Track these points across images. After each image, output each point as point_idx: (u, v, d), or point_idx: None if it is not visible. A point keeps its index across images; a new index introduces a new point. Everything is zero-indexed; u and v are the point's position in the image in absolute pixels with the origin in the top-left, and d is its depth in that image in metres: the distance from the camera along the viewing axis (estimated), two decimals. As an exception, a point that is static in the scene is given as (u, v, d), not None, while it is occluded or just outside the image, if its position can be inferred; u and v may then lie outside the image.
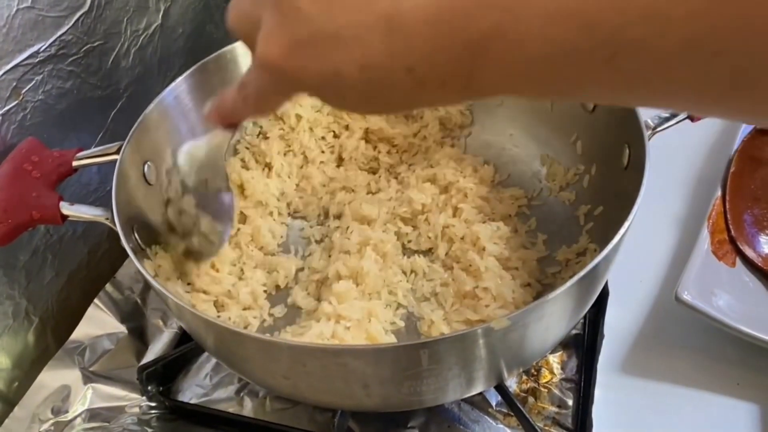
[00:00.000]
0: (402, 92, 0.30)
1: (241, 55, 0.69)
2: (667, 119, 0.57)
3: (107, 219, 0.53)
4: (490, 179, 0.70)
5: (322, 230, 0.69)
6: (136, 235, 0.56)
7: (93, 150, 0.59)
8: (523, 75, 0.27)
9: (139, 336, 0.67)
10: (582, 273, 0.44)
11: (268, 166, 0.71)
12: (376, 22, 0.28)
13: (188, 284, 0.61)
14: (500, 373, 0.51)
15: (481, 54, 0.27)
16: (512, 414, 0.57)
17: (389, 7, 0.28)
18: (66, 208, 0.54)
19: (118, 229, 0.51)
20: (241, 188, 0.69)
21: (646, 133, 0.54)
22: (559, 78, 0.27)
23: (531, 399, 0.59)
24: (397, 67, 0.29)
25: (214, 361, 0.64)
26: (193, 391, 0.63)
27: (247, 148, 0.72)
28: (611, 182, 0.60)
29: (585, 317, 0.62)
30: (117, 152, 0.57)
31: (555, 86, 0.28)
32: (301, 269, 0.66)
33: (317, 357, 0.44)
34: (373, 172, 0.73)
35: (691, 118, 0.57)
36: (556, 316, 0.47)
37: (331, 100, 0.34)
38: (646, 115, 0.56)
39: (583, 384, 0.59)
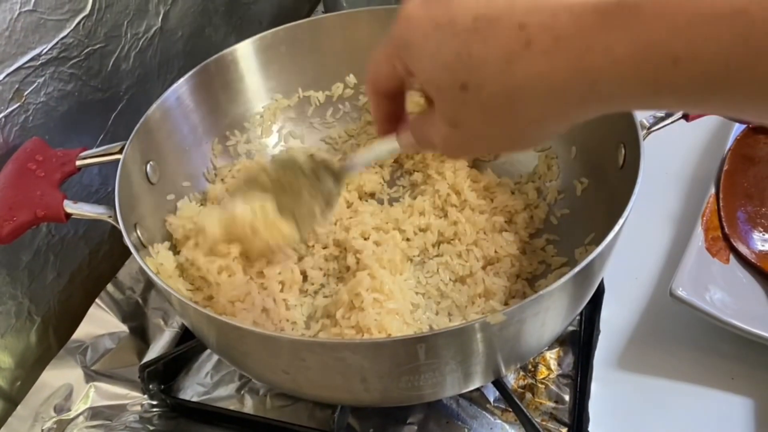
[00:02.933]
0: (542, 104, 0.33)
1: (242, 57, 0.70)
2: (662, 119, 0.57)
3: (110, 217, 0.54)
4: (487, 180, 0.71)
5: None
6: (138, 232, 0.57)
7: (96, 149, 0.59)
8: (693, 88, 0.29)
9: (141, 335, 0.68)
10: (577, 269, 0.45)
11: None
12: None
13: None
14: (498, 368, 0.51)
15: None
16: (510, 410, 0.58)
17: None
18: (70, 207, 0.55)
19: (121, 226, 0.52)
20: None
21: (641, 133, 0.55)
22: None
23: (528, 395, 0.60)
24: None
25: (214, 359, 0.65)
26: (194, 389, 0.63)
27: None
28: (607, 181, 0.61)
29: (581, 314, 0.63)
30: (120, 152, 0.58)
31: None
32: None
33: (316, 351, 0.45)
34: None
35: (686, 118, 0.58)
36: (552, 311, 0.48)
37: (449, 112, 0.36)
38: (641, 115, 0.57)
39: (580, 379, 0.59)
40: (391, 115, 0.44)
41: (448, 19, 0.33)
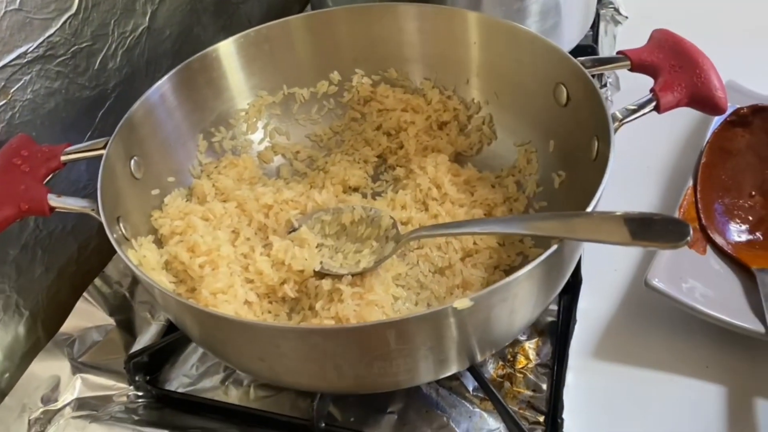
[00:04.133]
0: None
1: (225, 55, 0.71)
2: (634, 111, 0.58)
3: (92, 210, 0.55)
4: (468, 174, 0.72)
5: None
6: (120, 226, 0.58)
7: (81, 145, 0.60)
8: None
9: (128, 328, 0.69)
10: (543, 257, 0.46)
11: None
12: None
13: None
14: (472, 354, 0.52)
15: None
16: (488, 398, 0.59)
17: None
18: (53, 200, 0.56)
19: (103, 219, 0.53)
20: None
21: (613, 125, 0.56)
22: None
23: (507, 384, 0.61)
24: None
25: (200, 351, 0.66)
26: (179, 380, 0.64)
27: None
28: (582, 174, 0.62)
29: (559, 305, 0.64)
30: (104, 147, 0.59)
31: None
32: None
33: (289, 338, 0.46)
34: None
35: (657, 110, 0.59)
36: (520, 298, 0.49)
37: None
38: (614, 107, 0.58)
39: (556, 368, 0.60)
40: None
41: None
